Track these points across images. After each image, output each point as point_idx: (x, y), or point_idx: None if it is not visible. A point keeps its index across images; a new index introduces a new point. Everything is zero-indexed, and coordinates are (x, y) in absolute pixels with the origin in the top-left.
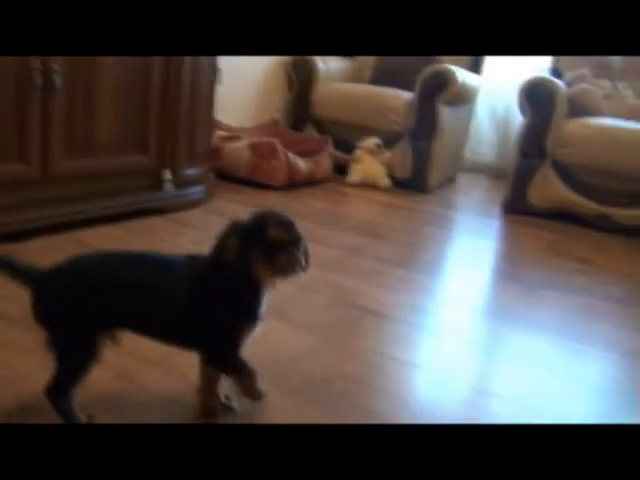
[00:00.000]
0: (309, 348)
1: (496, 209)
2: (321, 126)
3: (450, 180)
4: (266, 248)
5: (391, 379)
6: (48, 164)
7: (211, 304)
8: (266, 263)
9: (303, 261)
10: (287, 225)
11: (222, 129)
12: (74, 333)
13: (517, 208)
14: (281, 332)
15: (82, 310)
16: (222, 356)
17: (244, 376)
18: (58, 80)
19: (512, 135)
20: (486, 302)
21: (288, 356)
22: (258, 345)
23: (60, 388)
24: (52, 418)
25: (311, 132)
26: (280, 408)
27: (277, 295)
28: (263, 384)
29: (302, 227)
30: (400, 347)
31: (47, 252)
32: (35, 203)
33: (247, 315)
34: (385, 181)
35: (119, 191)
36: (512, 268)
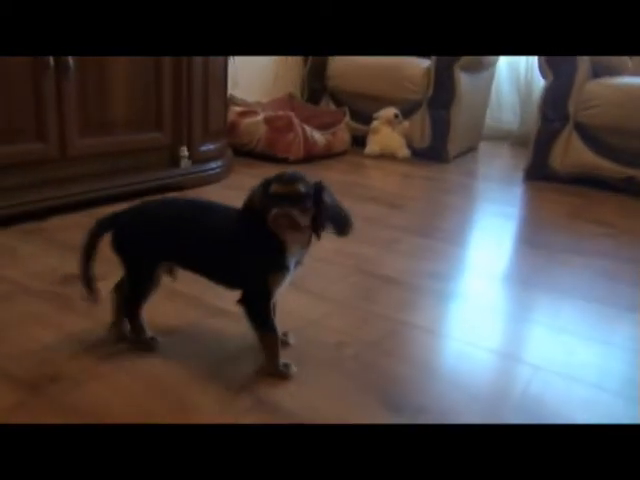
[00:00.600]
0: (323, 315)
1: (518, 177)
2: (338, 98)
3: (471, 149)
4: (268, 202)
5: (408, 344)
6: (66, 143)
7: (244, 248)
8: (268, 216)
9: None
10: (287, 181)
11: (238, 104)
12: (139, 263)
13: (539, 174)
14: (297, 300)
15: (144, 245)
16: (253, 298)
17: (265, 336)
18: (70, 60)
19: (535, 100)
20: (509, 268)
21: (303, 323)
22: (276, 314)
23: (129, 307)
24: (78, 395)
25: (328, 105)
26: (294, 374)
27: None
28: (288, 360)
29: None
30: (418, 313)
31: (67, 230)
32: (54, 182)
33: (273, 263)
34: (404, 151)
35: (137, 168)
36: (535, 234)
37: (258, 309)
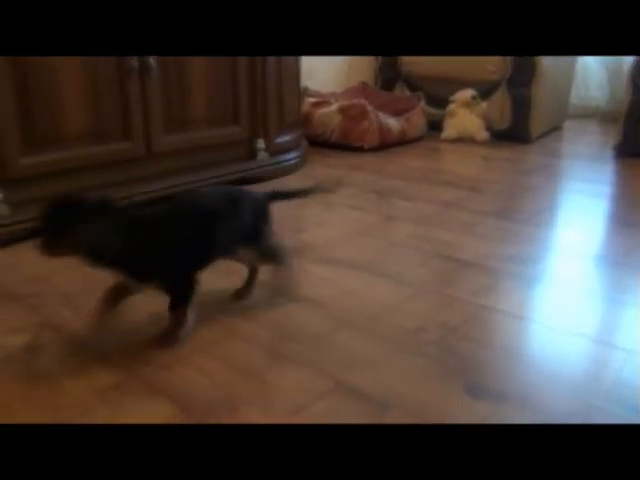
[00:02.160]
0: (403, 299)
1: (608, 154)
2: (412, 83)
3: (555, 128)
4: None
5: (490, 329)
6: (150, 141)
7: None
8: None
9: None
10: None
11: (312, 95)
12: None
13: (631, 150)
14: (375, 285)
15: None
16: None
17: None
18: (153, 61)
19: (624, 73)
20: (599, 249)
21: (381, 307)
22: (352, 297)
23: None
24: (167, 377)
25: (402, 91)
26: (373, 356)
27: (370, 250)
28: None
29: (396, 186)
30: (500, 298)
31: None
32: (141, 178)
33: None
34: (483, 134)
35: (216, 163)
36: (628, 212)
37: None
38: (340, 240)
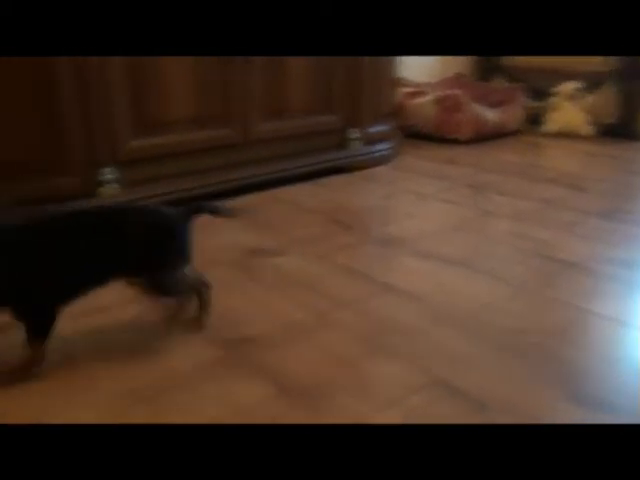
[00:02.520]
0: (501, 298)
1: None
2: (511, 74)
3: None
4: None
5: (594, 335)
6: (248, 128)
7: None
8: None
9: None
10: None
11: (407, 85)
12: None
13: None
14: (472, 281)
15: None
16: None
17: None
18: None
19: None
20: None
21: (479, 305)
22: (448, 293)
23: None
24: (266, 357)
25: (500, 82)
26: (471, 354)
27: (465, 245)
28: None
29: (492, 180)
30: (605, 302)
31: (253, 208)
32: (239, 164)
33: None
34: (587, 129)
35: (311, 151)
36: None
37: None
38: (433, 233)
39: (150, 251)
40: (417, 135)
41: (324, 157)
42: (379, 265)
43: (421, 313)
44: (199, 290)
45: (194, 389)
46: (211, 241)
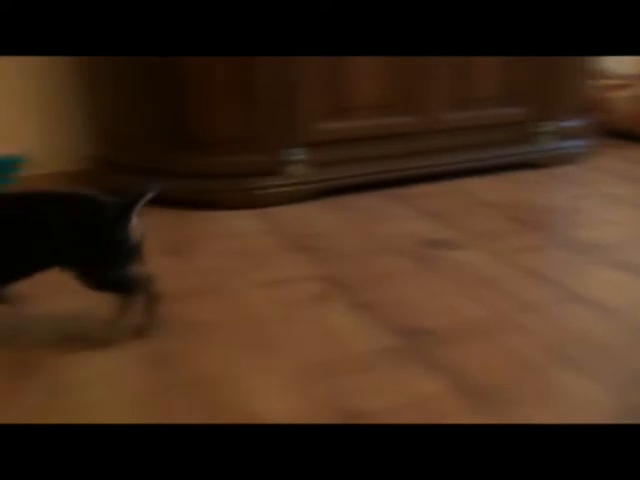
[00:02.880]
0: None
1: None
2: None
3: None
4: None
5: None
6: (433, 116)
7: None
8: None
9: None
10: None
11: (609, 77)
12: None
13: None
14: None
15: None
16: None
17: None
18: None
19: None
20: None
21: (629, 302)
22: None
23: None
24: (442, 352)
25: None
26: None
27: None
28: None
29: None
30: None
31: (430, 197)
32: (419, 152)
33: None
34: None
35: (494, 143)
36: None
37: None
38: (632, 242)
39: (77, 244)
40: (618, 133)
41: (510, 150)
42: (567, 271)
43: (615, 330)
44: (148, 294)
45: (372, 373)
46: (382, 228)
